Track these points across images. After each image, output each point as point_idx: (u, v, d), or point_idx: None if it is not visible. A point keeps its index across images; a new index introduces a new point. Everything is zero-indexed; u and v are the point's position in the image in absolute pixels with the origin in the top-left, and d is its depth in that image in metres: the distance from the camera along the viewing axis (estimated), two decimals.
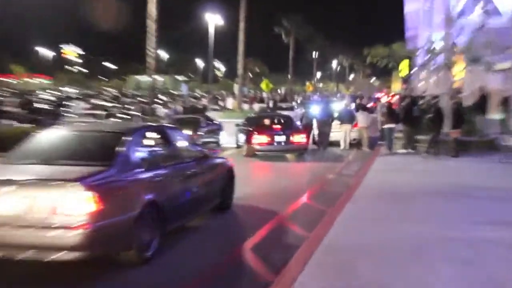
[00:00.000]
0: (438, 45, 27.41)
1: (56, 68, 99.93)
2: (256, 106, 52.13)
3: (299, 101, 61.03)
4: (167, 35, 73.26)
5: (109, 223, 6.66)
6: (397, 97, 37.33)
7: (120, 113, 30.27)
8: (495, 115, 23.30)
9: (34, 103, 34.73)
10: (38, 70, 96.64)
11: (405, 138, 20.77)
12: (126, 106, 36.49)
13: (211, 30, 59.65)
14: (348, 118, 23.25)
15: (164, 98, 54.80)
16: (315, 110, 24.79)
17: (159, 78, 75.00)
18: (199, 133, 20.60)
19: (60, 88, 76.27)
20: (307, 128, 22.91)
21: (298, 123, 24.10)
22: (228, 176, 10.92)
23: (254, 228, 9.25)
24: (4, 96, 44.85)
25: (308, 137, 21.50)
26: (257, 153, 19.81)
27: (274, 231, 9.27)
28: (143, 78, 72.75)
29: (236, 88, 59.30)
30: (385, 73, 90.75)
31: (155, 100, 40.45)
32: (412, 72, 49.79)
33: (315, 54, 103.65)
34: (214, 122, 24.33)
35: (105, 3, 75.19)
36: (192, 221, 9.36)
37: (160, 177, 8.04)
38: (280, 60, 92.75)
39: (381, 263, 7.00)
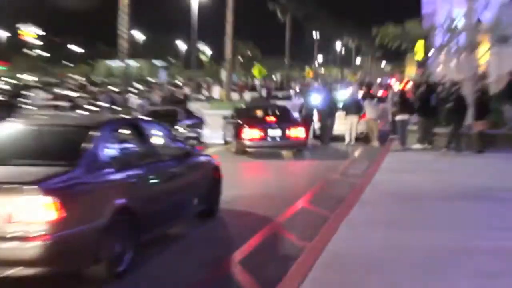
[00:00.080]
0: (460, 22, 27.46)
1: (12, 52, 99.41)
2: (247, 96, 52.19)
3: (297, 89, 61.12)
4: (143, 13, 73.08)
5: (72, 233, 6.62)
6: (411, 84, 37.37)
7: (87, 104, 30.18)
8: None
9: None
10: None
11: (420, 131, 20.81)
12: (94, 96, 36.34)
13: (195, 7, 59.60)
14: (354, 108, 23.29)
15: (140, 86, 54.69)
16: (316, 99, 24.80)
17: (133, 63, 74.88)
18: (176, 127, 20.50)
19: (17, 76, 75.92)
20: (306, 121, 22.94)
21: (296, 115, 24.11)
22: (214, 176, 10.90)
23: (244, 238, 9.24)
24: None
25: (307, 131, 21.53)
26: (248, 150, 19.80)
27: (267, 241, 9.27)
28: (115, 64, 72.61)
29: (223, 74, 59.29)
30: (398, 56, 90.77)
31: (129, 89, 40.37)
32: (429, 54, 49.85)
33: (316, 35, 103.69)
34: (195, 114, 24.29)
35: None
36: (172, 230, 9.35)
37: (134, 178, 8.02)
38: (275, 42, 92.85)
39: (393, 278, 7.00)
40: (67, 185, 6.81)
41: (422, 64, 53.45)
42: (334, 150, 21.95)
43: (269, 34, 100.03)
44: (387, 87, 43.15)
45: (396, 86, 45.71)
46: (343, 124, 23.48)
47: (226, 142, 22.21)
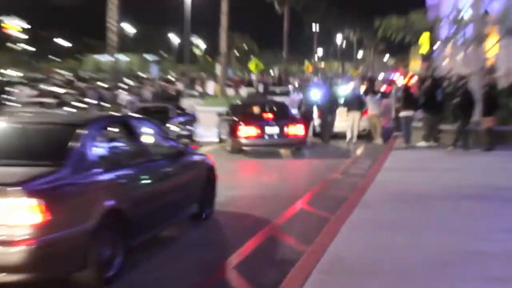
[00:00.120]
0: (467, 14, 27.48)
1: None
2: (243, 91, 52.17)
3: (296, 85, 61.14)
4: (133, 4, 72.98)
5: (59, 237, 6.59)
6: (416, 78, 37.44)
7: (74, 101, 30.16)
8: None
9: None
10: None
11: (426, 128, 20.83)
12: (82, 92, 36.34)
13: None
14: (356, 104, 23.32)
15: (131, 82, 54.69)
16: (315, 95, 24.82)
17: (123, 57, 74.80)
18: (168, 125, 20.45)
19: (0, 71, 75.86)
20: (306, 118, 22.96)
21: (295, 111, 24.12)
22: (208, 177, 10.91)
23: (240, 241, 9.23)
24: None
25: (306, 128, 21.53)
26: (244, 148, 19.81)
27: (265, 244, 9.26)
28: (104, 58, 72.54)
29: (218, 69, 59.28)
30: (401, 49, 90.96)
31: (119, 84, 40.37)
32: (434, 47, 49.92)
33: (315, 27, 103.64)
34: (187, 112, 24.26)
35: None
36: (164, 233, 9.35)
37: (124, 179, 8.00)
38: (273, 35, 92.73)
39: (395, 283, 7.00)
40: (53, 186, 6.78)
41: (427, 58, 53.49)
42: (335, 149, 21.96)
43: (266, 26, 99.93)
44: (391, 82, 43.23)
45: (400, 80, 45.78)
46: (344, 121, 23.50)
47: (221, 140, 22.20)
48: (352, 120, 23.23)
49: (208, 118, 24.73)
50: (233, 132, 20.02)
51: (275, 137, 19.82)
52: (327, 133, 23.40)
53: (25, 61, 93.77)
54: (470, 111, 19.49)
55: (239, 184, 15.06)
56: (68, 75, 71.40)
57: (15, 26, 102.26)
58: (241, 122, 19.98)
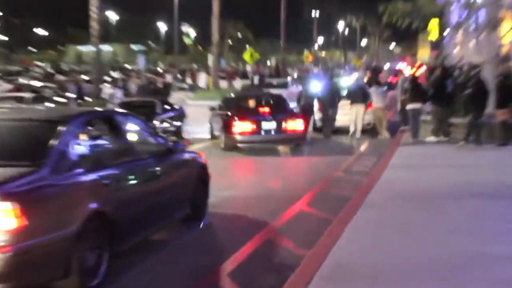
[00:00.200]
0: None
1: None
2: (238, 84, 52.14)
3: (295, 76, 61.14)
4: None
5: (37, 244, 6.57)
6: (424, 68, 37.46)
7: (54, 96, 30.12)
8: None
9: None
10: None
11: (435, 122, 20.83)
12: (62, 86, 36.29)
13: None
14: (360, 96, 23.31)
15: (116, 74, 54.65)
16: (316, 87, 24.83)
17: (107, 48, 74.72)
18: (154, 122, 20.36)
19: None
20: (305, 111, 22.98)
21: (294, 105, 24.13)
22: (200, 176, 10.91)
23: (235, 245, 9.23)
24: None
25: (306, 123, 21.55)
26: (238, 145, 19.82)
27: (262, 249, 9.27)
28: (86, 49, 72.49)
29: (210, 60, 59.26)
30: (409, 36, 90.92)
31: (103, 77, 40.33)
32: (444, 34, 49.96)
33: (315, 14, 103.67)
34: (175, 107, 24.19)
35: None
36: (153, 237, 9.36)
37: (108, 179, 7.99)
38: (269, 23, 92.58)
39: None
40: (30, 188, 6.76)
41: (436, 45, 53.55)
42: (337, 145, 21.98)
43: (262, 13, 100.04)
44: (397, 72, 43.25)
45: (407, 70, 45.79)
46: (347, 115, 23.50)
47: (214, 137, 22.20)
48: (355, 113, 23.22)
49: (200, 113, 24.73)
50: (226, 127, 20.01)
51: (272, 132, 19.82)
52: (328, 128, 23.41)
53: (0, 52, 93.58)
54: (483, 102, 19.44)
55: (234, 183, 15.07)
56: (47, 67, 71.25)
57: None
58: (235, 117, 19.97)
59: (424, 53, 73.92)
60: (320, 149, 20.99)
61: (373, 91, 23.49)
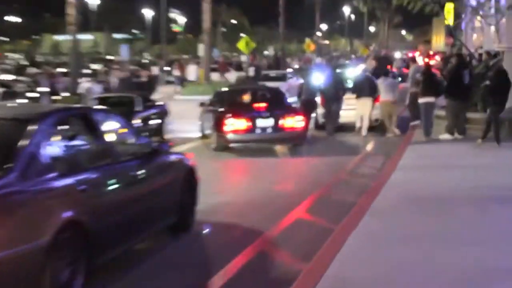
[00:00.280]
0: None
1: None
2: (231, 76, 52.11)
3: (295, 67, 61.19)
4: None
5: (3, 258, 6.53)
6: (438, 57, 37.48)
7: (27, 90, 30.13)
8: None
9: None
10: None
11: (450, 117, 20.82)
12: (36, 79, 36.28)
13: None
14: (367, 89, 23.27)
15: (97, 66, 54.64)
16: (318, 79, 24.82)
17: (87, 37, 74.66)
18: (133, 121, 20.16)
19: None
20: (306, 107, 22.96)
21: (293, 99, 24.13)
22: (187, 180, 10.89)
23: (226, 257, 9.24)
24: None
25: (307, 119, 21.55)
26: (231, 145, 19.83)
27: (255, 261, 9.29)
28: (64, 38, 72.45)
29: (201, 50, 59.20)
30: (421, 22, 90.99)
31: (81, 70, 40.33)
32: (461, 19, 49.92)
33: None
34: (156, 103, 24.08)
35: None
36: (136, 248, 9.35)
37: (85, 185, 7.98)
38: (267, 8, 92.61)
39: None
40: None
41: (452, 32, 53.49)
42: (341, 143, 21.97)
43: None
44: (409, 61, 43.25)
45: (420, 59, 45.78)
46: (353, 110, 23.49)
47: (204, 136, 22.16)
48: (362, 108, 23.21)
49: (189, 109, 24.72)
50: (218, 125, 19.95)
51: (269, 131, 19.78)
52: (331, 125, 23.40)
53: None
54: (503, 96, 19.43)
55: (226, 188, 15.10)
56: (20, 58, 71.26)
57: None
58: (227, 114, 19.93)
59: (438, 40, 73.94)
60: (322, 148, 20.99)
61: (380, 82, 23.38)
